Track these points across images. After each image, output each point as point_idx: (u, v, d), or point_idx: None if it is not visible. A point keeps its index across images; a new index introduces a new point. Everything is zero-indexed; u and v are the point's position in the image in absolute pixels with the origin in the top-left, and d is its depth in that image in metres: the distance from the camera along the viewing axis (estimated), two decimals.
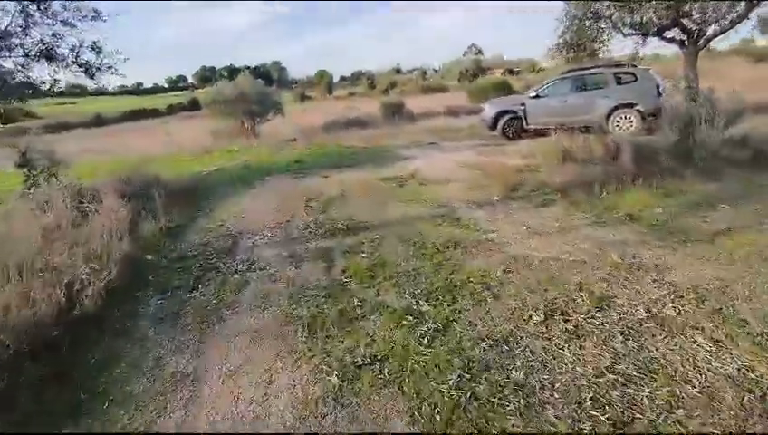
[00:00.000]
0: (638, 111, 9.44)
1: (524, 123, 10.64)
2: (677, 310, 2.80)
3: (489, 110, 11.12)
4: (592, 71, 10.24)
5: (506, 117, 10.71)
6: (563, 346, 2.58)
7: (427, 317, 3.04)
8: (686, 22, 6.56)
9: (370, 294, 3.47)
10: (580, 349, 2.54)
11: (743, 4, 6.15)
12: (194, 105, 41.91)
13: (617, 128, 9.62)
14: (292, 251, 4.58)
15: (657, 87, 9.46)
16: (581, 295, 3.10)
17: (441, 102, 20.80)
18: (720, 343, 2.45)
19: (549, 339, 2.67)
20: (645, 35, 7.13)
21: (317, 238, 4.91)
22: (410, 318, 3.04)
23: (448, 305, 3.17)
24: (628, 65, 10.07)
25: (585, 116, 9.91)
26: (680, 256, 3.64)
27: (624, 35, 7.32)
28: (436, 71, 46.60)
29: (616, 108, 9.66)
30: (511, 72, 26.74)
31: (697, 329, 2.59)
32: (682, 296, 2.96)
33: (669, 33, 7.04)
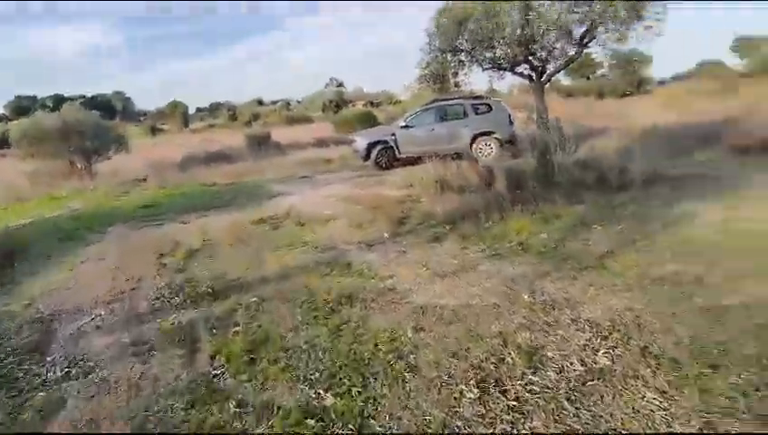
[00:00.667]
0: (496, 138, 10.17)
1: (396, 153, 10.67)
2: (610, 357, 2.54)
3: (361, 141, 10.92)
4: (452, 102, 10.81)
5: (379, 147, 10.61)
6: (511, 433, 2.06)
7: (334, 416, 2.27)
8: (533, 59, 7.23)
9: (252, 390, 2.56)
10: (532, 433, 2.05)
11: (574, 48, 6.97)
12: (3, 142, 34.20)
13: (479, 154, 10.20)
14: (138, 335, 3.38)
15: (509, 117, 10.37)
16: (509, 352, 2.67)
17: (308, 133, 20.32)
18: (667, 395, 2.19)
19: (492, 424, 2.13)
20: (501, 69, 7.71)
21: (174, 310, 3.78)
22: (311, 423, 2.24)
23: (359, 393, 2.44)
24: (484, 97, 10.91)
25: (452, 144, 10.32)
26: (582, 286, 3.52)
27: (483, 69, 7.82)
28: (299, 102, 46.42)
29: (477, 136, 10.28)
30: (372, 103, 27.80)
31: (639, 379, 2.33)
32: (606, 337, 2.74)
33: (520, 69, 7.71)
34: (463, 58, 7.83)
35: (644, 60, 27.77)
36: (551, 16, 6.44)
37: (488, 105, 10.48)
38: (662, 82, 32.05)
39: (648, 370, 2.38)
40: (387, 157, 10.68)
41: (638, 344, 2.62)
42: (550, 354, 2.62)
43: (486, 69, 7.80)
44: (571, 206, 5.74)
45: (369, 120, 17.95)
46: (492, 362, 2.60)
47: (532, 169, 7.10)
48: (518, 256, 4.31)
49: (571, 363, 2.51)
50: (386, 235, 5.33)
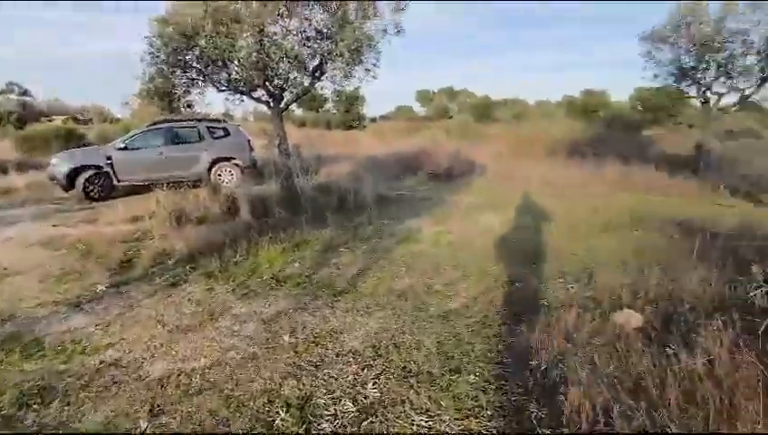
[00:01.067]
0: (236, 164, 9.68)
1: (114, 180, 8.75)
2: (378, 387, 2.50)
3: (61, 164, 8.47)
4: (185, 123, 9.72)
5: (88, 173, 8.45)
6: None
7: None
8: (270, 86, 7.18)
9: None
10: None
11: (308, 79, 7.33)
12: None
13: (219, 181, 9.49)
14: None
15: (249, 142, 10.08)
16: (278, 411, 2.29)
17: None
18: (431, 413, 2.28)
19: None
20: (238, 93, 7.32)
21: None
22: None
23: None
24: (222, 120, 10.25)
25: (186, 170, 9.23)
26: (340, 313, 3.50)
27: (218, 90, 7.25)
28: None
29: (216, 161, 9.54)
30: (76, 120, 22.40)
31: (405, 403, 2.35)
32: (371, 366, 2.71)
33: (258, 94, 7.55)
34: (195, 76, 7.08)
35: (360, 100, 32.68)
36: (285, 46, 6.55)
37: (225, 129, 9.89)
38: (374, 120, 38.48)
39: (412, 391, 2.45)
40: (101, 185, 8.61)
41: (399, 365, 2.70)
42: (321, 401, 2.38)
43: (222, 91, 7.30)
44: (317, 230, 5.85)
45: (72, 140, 14.30)
46: (260, 432, 2.16)
47: (277, 196, 6.98)
48: (274, 290, 4.00)
49: (344, 406, 2.34)
50: (101, 287, 4.08)
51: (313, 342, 3.02)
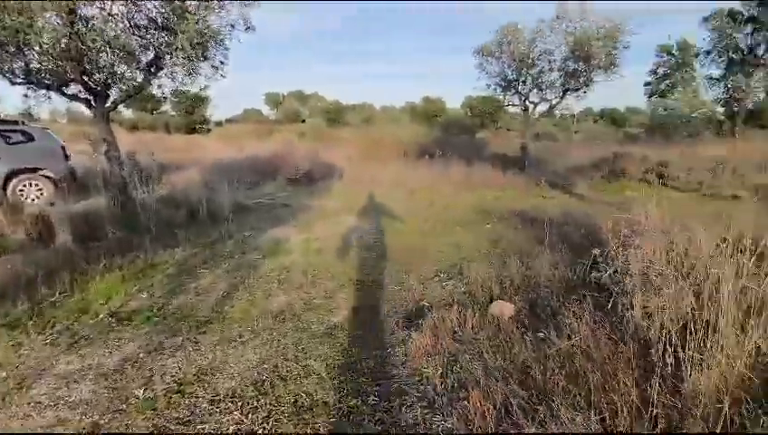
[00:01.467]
0: (46, 176, 7.83)
1: None
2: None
3: None
4: None
5: None
6: None
7: None
8: (89, 80, 5.87)
9: None
10: None
11: (142, 74, 6.24)
12: None
13: (22, 198, 7.56)
14: None
15: (64, 149, 8.25)
16: None
17: None
18: None
19: None
20: (43, 87, 5.77)
21: None
22: None
23: None
24: (20, 122, 8.13)
25: None
26: (209, 348, 2.98)
27: (12, 83, 5.59)
28: None
29: (14, 173, 7.56)
30: None
31: None
32: (256, 408, 2.32)
33: (73, 90, 6.08)
34: None
35: (204, 101, 30.02)
36: (108, 33, 5.41)
37: (26, 133, 7.89)
38: (220, 123, 35.80)
39: (309, 428, 2.16)
40: None
41: (289, 401, 2.37)
42: None
43: (19, 84, 5.65)
44: (166, 251, 5.01)
45: None
46: None
47: (109, 213, 5.79)
48: (115, 332, 3.21)
49: None
50: None
51: (178, 391, 2.47)
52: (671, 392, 2.07)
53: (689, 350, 2.21)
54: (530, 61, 10.13)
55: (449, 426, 2.12)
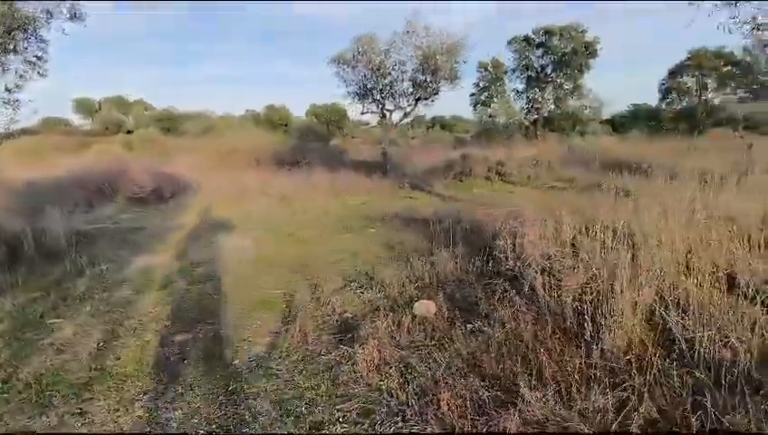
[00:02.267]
0: None
1: None
2: None
3: None
4: None
5: None
6: None
7: None
8: None
9: None
10: None
11: None
12: None
13: None
14: None
15: None
16: None
17: None
18: None
19: None
20: None
21: None
22: None
23: None
24: None
25: None
26: (99, 419, 2.33)
27: None
28: None
29: None
30: None
31: None
32: None
33: None
34: None
35: None
36: None
37: None
38: (10, 135, 28.58)
39: None
40: None
41: None
42: None
43: None
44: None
45: None
46: None
47: None
48: None
49: None
50: None
51: None
52: (593, 354, 2.39)
53: (601, 316, 2.62)
54: (385, 70, 10.72)
55: (431, 432, 2.08)
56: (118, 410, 2.38)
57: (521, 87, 20.34)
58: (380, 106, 11.70)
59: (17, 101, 5.50)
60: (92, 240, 6.10)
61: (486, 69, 20.31)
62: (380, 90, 11.16)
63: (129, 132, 29.64)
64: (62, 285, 4.26)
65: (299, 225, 6.82)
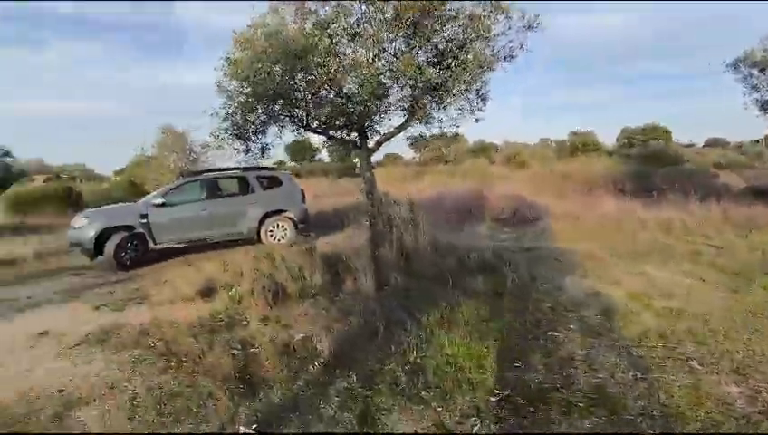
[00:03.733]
0: (289, 218, 8.14)
1: (151, 242, 7.06)
2: None
3: (88, 226, 6.70)
4: (230, 173, 8.28)
5: (120, 235, 6.72)
6: None
7: None
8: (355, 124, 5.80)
9: None
10: None
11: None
12: None
13: (271, 238, 7.93)
14: None
15: (302, 192, 8.63)
16: None
17: None
18: None
19: None
20: (321, 133, 5.85)
21: None
22: None
23: None
24: (272, 168, 8.80)
25: (233, 228, 7.70)
26: None
27: (312, 132, 5.75)
28: None
29: (267, 215, 8.00)
30: (59, 177, 20.18)
31: None
32: None
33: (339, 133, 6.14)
34: (276, 108, 5.53)
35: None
36: (370, 73, 5.21)
37: (277, 178, 8.44)
38: (378, 164, 37.42)
39: None
40: (135, 249, 6.92)
41: None
42: None
43: (300, 130, 5.80)
44: (460, 300, 4.32)
45: (68, 199, 12.42)
46: None
47: (393, 257, 5.47)
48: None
49: None
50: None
51: None
52: None
53: None
54: None
55: None
56: None
57: None
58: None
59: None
60: (498, 257, 6.55)
61: None
62: None
63: (445, 162, 33.87)
64: (516, 295, 4.53)
65: (741, 264, 5.49)
